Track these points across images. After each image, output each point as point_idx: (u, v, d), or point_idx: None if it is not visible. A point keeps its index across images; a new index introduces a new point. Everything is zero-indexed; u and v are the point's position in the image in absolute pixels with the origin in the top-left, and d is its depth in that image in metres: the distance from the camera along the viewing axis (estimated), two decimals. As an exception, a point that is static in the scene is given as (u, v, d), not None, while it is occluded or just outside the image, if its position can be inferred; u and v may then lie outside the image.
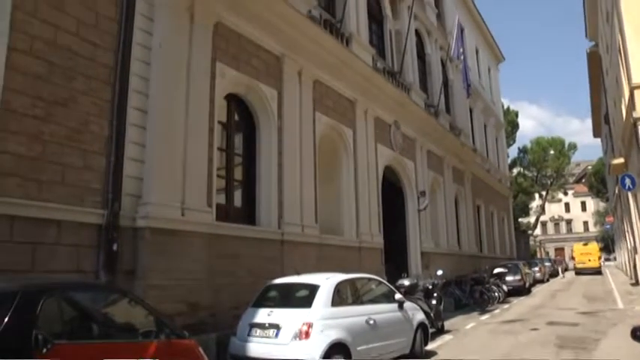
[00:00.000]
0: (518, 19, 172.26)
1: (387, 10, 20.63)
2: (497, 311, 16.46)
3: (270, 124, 12.18)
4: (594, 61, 28.83)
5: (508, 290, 20.26)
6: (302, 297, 7.82)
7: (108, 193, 8.00)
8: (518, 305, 18.48)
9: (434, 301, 12.64)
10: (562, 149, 60.27)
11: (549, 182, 61.48)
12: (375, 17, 20.02)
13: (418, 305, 10.36)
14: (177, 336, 5.26)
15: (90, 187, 7.86)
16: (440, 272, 15.67)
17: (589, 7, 24.99)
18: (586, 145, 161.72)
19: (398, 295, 9.23)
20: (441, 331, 12.32)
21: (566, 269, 45.56)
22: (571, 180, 78.96)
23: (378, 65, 18.15)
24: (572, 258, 46.54)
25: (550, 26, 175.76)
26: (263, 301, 7.97)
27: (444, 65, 26.12)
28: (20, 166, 6.96)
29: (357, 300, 8.44)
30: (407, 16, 21.05)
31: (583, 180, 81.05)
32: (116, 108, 8.32)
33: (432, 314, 11.85)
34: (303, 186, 12.81)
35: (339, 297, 7.90)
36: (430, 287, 13.36)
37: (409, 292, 11.95)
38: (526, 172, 60.36)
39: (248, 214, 11.66)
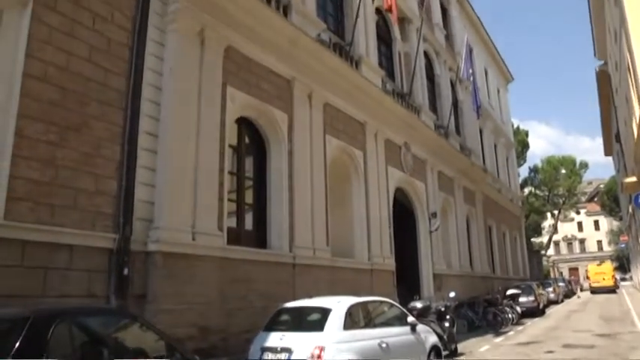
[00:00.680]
0: (526, 40, 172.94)
1: (396, 32, 20.78)
2: (511, 333, 16.20)
3: (281, 147, 12.23)
4: (604, 79, 28.74)
5: (522, 311, 20.00)
6: (314, 320, 7.72)
7: (119, 218, 8.04)
8: (533, 327, 18.17)
9: (447, 324, 12.50)
10: (573, 168, 60.01)
11: (561, 201, 61.08)
12: (384, 39, 20.19)
13: (431, 328, 10.20)
14: (188, 361, 5.21)
15: (101, 212, 7.88)
16: (452, 294, 15.53)
17: (597, 26, 25.03)
18: (597, 163, 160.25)
19: (410, 318, 9.10)
20: (454, 354, 12.14)
21: (581, 289, 47.05)
22: (583, 199, 78.27)
23: (387, 87, 18.24)
24: (587, 278, 49.89)
25: (558, 44, 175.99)
26: (275, 325, 7.89)
27: (453, 86, 26.15)
28: (33, 191, 7.00)
29: (370, 323, 8.33)
30: (416, 37, 21.20)
31: (595, 198, 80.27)
32: (128, 132, 8.41)
33: (445, 337, 11.64)
34: (314, 209, 12.79)
35: (352, 320, 7.81)
36: (443, 309, 13.23)
37: (422, 315, 11.77)
38: (537, 192, 59.97)
39: (259, 237, 11.64)
